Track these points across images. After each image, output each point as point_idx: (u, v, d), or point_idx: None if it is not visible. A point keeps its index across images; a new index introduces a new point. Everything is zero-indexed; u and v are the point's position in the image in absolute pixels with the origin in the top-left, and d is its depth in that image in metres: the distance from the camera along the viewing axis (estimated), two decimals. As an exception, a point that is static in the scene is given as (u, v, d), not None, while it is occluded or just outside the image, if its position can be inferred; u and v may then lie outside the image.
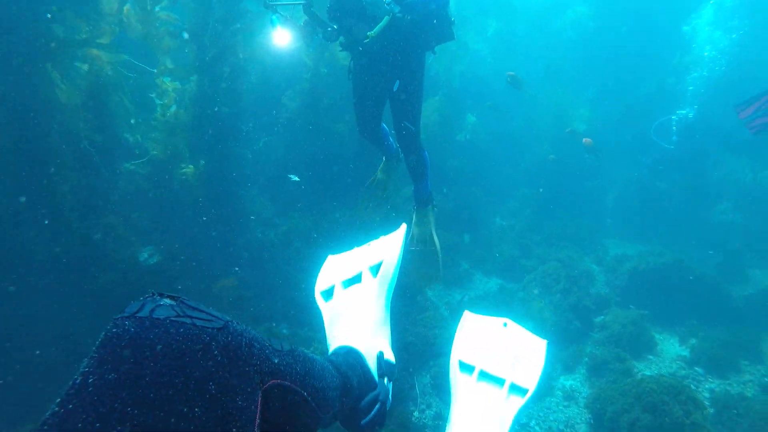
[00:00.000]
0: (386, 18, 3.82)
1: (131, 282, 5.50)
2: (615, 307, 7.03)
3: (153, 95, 6.73)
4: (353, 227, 7.24)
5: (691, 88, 10.50)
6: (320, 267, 2.37)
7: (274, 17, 4.05)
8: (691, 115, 9.09)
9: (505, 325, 3.12)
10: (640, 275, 7.24)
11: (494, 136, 11.15)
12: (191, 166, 6.75)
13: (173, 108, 6.61)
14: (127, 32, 6.18)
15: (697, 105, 9.48)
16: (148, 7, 6.10)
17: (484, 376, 2.59)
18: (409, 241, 4.69)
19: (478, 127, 10.86)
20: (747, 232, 8.48)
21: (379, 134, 4.86)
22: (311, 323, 5.89)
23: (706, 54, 10.88)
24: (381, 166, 5.28)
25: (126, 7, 6.00)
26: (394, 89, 4.30)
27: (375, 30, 3.81)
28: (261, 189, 8.33)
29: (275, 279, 6.50)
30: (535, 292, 6.93)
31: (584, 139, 8.40)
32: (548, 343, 2.89)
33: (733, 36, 10.99)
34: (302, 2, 4.10)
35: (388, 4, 3.83)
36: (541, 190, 10.15)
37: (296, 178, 7.46)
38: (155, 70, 6.48)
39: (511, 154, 11.42)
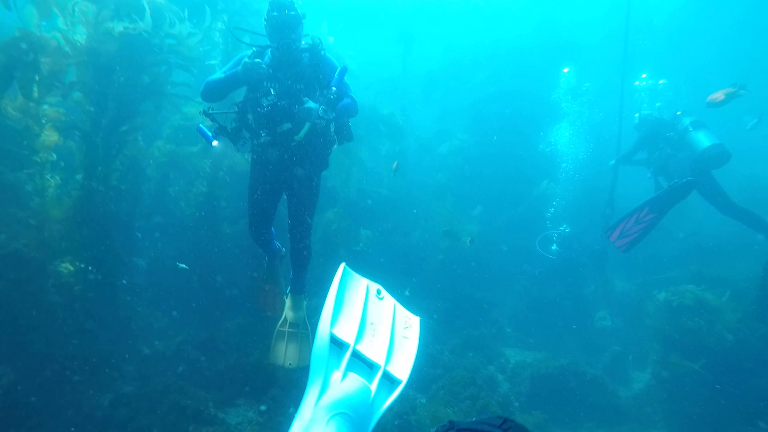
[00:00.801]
0: (307, 125, 4.38)
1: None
2: (521, 413, 6.97)
3: (29, 189, 6.13)
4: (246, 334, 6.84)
5: (551, 210, 12.17)
6: None
7: (205, 129, 4.49)
8: (567, 230, 10.33)
9: (379, 292, 3.17)
10: (540, 380, 7.39)
11: (391, 248, 11.55)
12: (69, 266, 5.98)
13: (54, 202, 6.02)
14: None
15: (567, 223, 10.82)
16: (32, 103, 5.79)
17: (356, 358, 2.43)
18: (282, 323, 5.08)
19: (372, 240, 11.22)
20: (621, 336, 9.24)
21: (270, 234, 5.30)
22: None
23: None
24: (265, 267, 5.62)
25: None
26: (302, 182, 4.75)
27: (301, 134, 4.38)
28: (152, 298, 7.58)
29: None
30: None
31: (393, 164, 9.37)
32: (421, 320, 3.00)
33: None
34: (236, 110, 4.55)
35: (321, 111, 4.35)
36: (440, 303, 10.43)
37: (185, 266, 7.01)
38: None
39: (408, 268, 11.77)
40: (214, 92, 4.56)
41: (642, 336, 8.37)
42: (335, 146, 4.96)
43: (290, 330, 5.07)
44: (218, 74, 4.60)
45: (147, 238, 8.00)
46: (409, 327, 3.05)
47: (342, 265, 3.26)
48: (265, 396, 6.16)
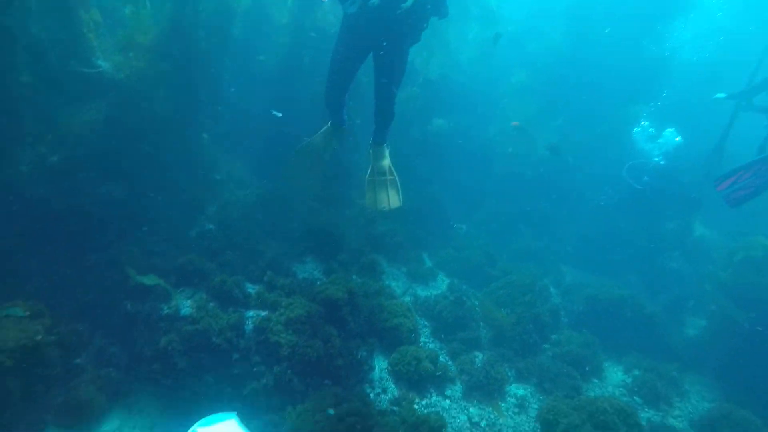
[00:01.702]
0: None
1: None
2: (569, 329, 7.20)
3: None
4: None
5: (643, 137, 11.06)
6: None
7: None
8: (662, 163, 9.56)
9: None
10: (597, 303, 7.44)
11: (466, 140, 11.19)
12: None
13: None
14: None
15: (667, 158, 9.96)
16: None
17: None
18: (371, 174, 5.31)
19: (445, 129, 10.88)
20: (687, 280, 8.99)
21: (343, 99, 5.30)
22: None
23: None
24: (323, 130, 5.58)
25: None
26: (394, 54, 4.75)
27: (409, 2, 4.26)
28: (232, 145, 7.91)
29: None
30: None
31: (513, 123, 8.81)
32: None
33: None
34: None
35: None
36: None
37: (279, 114, 7.15)
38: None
39: (481, 163, 11.49)
40: None
41: (705, 283, 8.09)
42: (431, 20, 4.78)
43: (379, 178, 5.33)
44: None
45: (232, 85, 8.01)
46: None
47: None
48: (333, 259, 6.60)
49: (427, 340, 6.13)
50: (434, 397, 5.26)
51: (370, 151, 5.42)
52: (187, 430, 4.29)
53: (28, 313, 3.46)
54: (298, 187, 5.41)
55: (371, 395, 4.91)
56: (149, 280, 4.57)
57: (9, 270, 4.24)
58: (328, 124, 5.65)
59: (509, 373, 5.96)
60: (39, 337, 3.38)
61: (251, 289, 5.05)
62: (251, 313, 4.76)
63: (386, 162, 5.40)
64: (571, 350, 6.45)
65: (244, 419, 3.77)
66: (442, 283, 7.65)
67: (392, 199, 5.37)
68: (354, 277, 6.25)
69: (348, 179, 8.24)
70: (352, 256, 6.91)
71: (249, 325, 4.62)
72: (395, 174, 5.41)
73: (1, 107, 4.71)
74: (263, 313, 4.78)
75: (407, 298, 6.84)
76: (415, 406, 4.94)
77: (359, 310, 5.45)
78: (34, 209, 4.82)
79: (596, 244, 10.13)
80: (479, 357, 6.00)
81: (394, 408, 4.84)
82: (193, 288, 4.81)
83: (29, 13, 5.06)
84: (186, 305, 4.55)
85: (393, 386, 5.18)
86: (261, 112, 8.11)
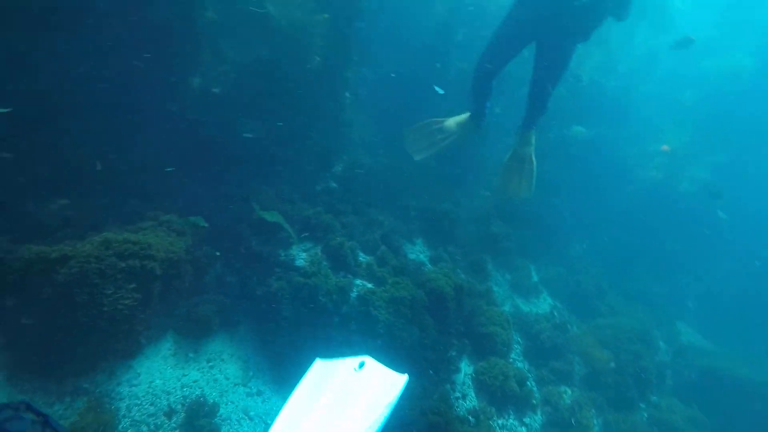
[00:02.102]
0: None
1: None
2: (673, 396, 6.46)
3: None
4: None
5: None
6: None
7: None
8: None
9: (361, 365, 3.28)
10: (717, 379, 6.58)
11: (604, 153, 10.15)
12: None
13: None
14: None
15: None
16: None
17: None
18: (510, 158, 5.12)
19: (587, 138, 9.95)
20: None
21: (490, 85, 5.03)
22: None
23: None
24: (459, 117, 5.23)
25: None
26: (558, 49, 4.52)
27: None
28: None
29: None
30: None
31: (663, 147, 7.90)
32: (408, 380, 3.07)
33: None
34: None
35: None
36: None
37: (441, 91, 7.00)
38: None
39: (615, 182, 10.44)
40: None
41: None
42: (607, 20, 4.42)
43: (517, 164, 5.15)
44: None
45: (382, 49, 7.91)
46: (393, 386, 3.15)
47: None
48: (443, 247, 6.49)
49: (517, 357, 5.84)
50: (511, 420, 5.03)
51: (517, 135, 5.15)
52: (275, 372, 4.56)
53: (206, 225, 3.87)
54: (418, 159, 5.25)
55: (451, 397, 4.80)
56: (270, 216, 4.77)
57: (169, 185, 4.65)
58: (467, 114, 5.29)
59: (595, 422, 5.51)
60: (181, 253, 3.66)
61: (363, 258, 5.09)
62: (359, 281, 4.81)
63: (529, 149, 5.14)
64: (672, 421, 5.80)
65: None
66: (544, 302, 7.22)
67: (523, 188, 5.16)
68: (459, 272, 6.08)
69: (472, 167, 7.98)
70: (462, 250, 6.73)
71: (354, 293, 4.68)
72: (534, 163, 5.16)
73: (185, 38, 5.06)
74: (369, 285, 4.81)
75: (507, 308, 6.55)
76: (491, 423, 4.76)
77: (461, 308, 5.30)
78: (192, 132, 5.23)
79: (728, 307, 8.92)
80: (568, 393, 5.61)
81: (471, 418, 4.69)
82: (313, 242, 4.95)
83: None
84: (302, 257, 4.71)
85: (473, 395, 5.02)
86: (405, 81, 8.03)
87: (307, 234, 4.97)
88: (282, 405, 3.26)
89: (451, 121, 5.26)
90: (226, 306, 4.43)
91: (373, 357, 3.63)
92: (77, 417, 3.22)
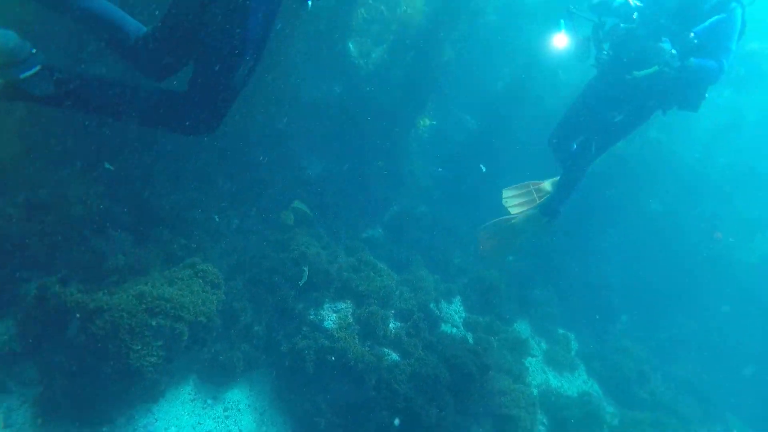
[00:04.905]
0: (655, 68, 3.86)
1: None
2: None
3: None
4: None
5: None
6: None
7: (562, 21, 4.38)
8: None
9: None
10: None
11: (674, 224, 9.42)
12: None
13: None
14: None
15: None
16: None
17: None
18: (504, 220, 5.32)
19: (662, 213, 9.29)
20: None
21: (569, 150, 4.99)
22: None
23: None
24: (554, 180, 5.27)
25: None
26: (615, 119, 4.57)
27: (642, 73, 3.92)
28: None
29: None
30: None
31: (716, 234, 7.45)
32: None
33: None
34: (595, 22, 4.34)
35: (670, 57, 3.78)
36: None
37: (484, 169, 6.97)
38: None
39: (675, 267, 9.61)
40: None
41: None
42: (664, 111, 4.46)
43: (505, 233, 5.32)
44: None
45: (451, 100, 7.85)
46: None
47: None
48: (481, 312, 6.31)
49: (540, 444, 5.55)
50: None
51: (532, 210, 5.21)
52: (288, 428, 4.58)
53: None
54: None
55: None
56: (305, 274, 4.78)
57: (217, 226, 4.74)
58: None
59: None
60: (213, 314, 3.73)
61: (394, 325, 4.99)
62: (385, 350, 4.72)
63: (529, 232, 5.24)
64: None
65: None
66: (578, 379, 6.82)
67: (500, 253, 5.52)
68: (493, 342, 5.83)
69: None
70: (501, 312, 6.51)
71: (379, 362, 4.58)
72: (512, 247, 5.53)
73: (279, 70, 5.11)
74: (395, 356, 4.71)
75: (537, 380, 6.23)
76: None
77: (485, 386, 5.09)
78: (252, 170, 5.33)
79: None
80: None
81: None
82: (346, 301, 4.90)
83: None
84: (332, 318, 4.67)
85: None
86: (474, 133, 7.91)
87: (340, 291, 4.93)
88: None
89: (548, 185, 5.36)
90: (250, 356, 4.46)
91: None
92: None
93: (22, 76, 1.84)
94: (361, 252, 5.56)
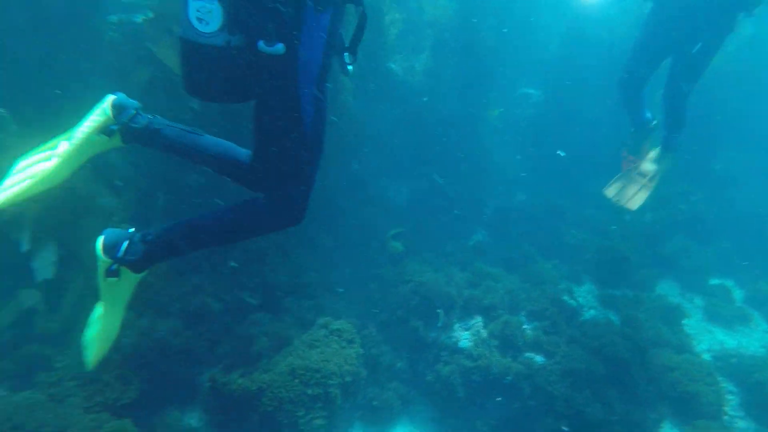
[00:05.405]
0: None
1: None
2: None
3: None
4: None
5: None
6: None
7: None
8: None
9: None
10: None
11: None
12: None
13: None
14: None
15: None
16: None
17: None
18: (636, 166, 5.15)
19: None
20: None
21: (641, 93, 4.90)
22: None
23: None
24: (630, 138, 5.20)
25: None
26: (693, 50, 4.30)
27: None
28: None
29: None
30: None
31: None
32: None
33: None
34: None
35: None
36: None
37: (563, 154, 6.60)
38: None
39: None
40: None
41: None
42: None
43: (638, 176, 5.13)
44: None
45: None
46: None
47: None
48: (616, 286, 5.91)
49: (735, 414, 4.95)
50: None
51: (655, 147, 5.12)
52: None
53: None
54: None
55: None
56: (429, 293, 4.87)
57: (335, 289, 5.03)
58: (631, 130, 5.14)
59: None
60: (358, 369, 3.97)
61: (529, 327, 4.87)
62: (528, 354, 4.61)
63: (659, 169, 5.04)
64: None
65: None
66: (756, 331, 6.03)
67: (635, 200, 5.06)
68: (641, 316, 5.40)
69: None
70: (638, 279, 6.04)
71: (522, 369, 4.49)
72: (653, 184, 5.08)
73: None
74: (539, 358, 4.58)
75: (704, 345, 5.64)
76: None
77: (647, 367, 4.73)
78: (348, 218, 5.59)
79: None
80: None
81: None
82: (474, 316, 4.89)
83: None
84: (465, 337, 4.69)
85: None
86: (543, 104, 7.53)
87: (465, 309, 4.94)
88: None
89: (646, 157, 5.20)
90: (401, 392, 4.63)
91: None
92: None
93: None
94: (473, 263, 5.53)
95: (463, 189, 6.64)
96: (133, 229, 2.23)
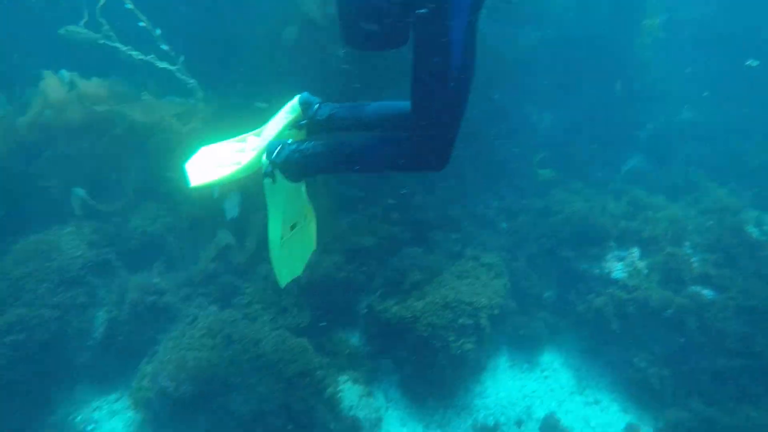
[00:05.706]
0: None
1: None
2: None
3: None
4: None
5: None
6: None
7: None
8: None
9: None
10: None
11: None
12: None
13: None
14: None
15: None
16: None
17: None
18: None
19: None
20: None
21: None
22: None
23: None
24: None
25: None
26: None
27: None
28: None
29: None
30: None
31: None
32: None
33: None
34: None
35: None
36: None
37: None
38: None
39: None
40: None
41: None
42: None
43: None
44: None
45: None
46: None
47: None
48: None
49: None
50: None
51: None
52: (609, 380, 4.58)
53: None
54: None
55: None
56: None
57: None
58: None
59: None
60: (505, 302, 4.12)
61: (697, 259, 4.44)
62: (694, 288, 4.25)
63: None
64: None
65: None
66: None
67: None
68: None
69: None
70: None
71: (686, 302, 4.16)
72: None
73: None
74: (707, 292, 4.20)
75: None
76: None
77: None
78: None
79: None
80: None
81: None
82: (625, 249, 4.62)
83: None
84: (618, 268, 4.48)
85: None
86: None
87: (620, 240, 4.67)
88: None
89: None
90: (549, 322, 4.68)
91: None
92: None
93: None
94: (629, 191, 5.11)
95: (614, 111, 6.00)
96: (291, 140, 2.51)
